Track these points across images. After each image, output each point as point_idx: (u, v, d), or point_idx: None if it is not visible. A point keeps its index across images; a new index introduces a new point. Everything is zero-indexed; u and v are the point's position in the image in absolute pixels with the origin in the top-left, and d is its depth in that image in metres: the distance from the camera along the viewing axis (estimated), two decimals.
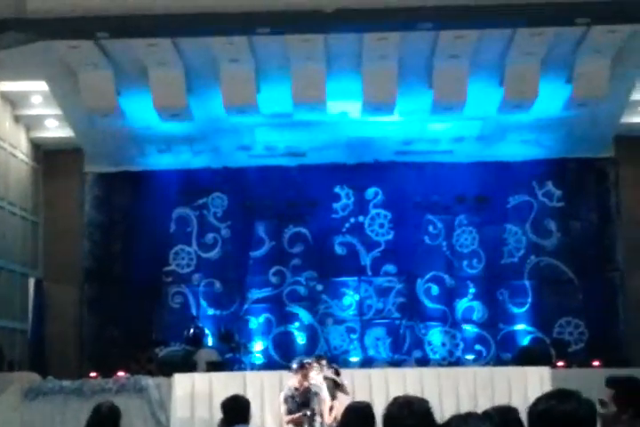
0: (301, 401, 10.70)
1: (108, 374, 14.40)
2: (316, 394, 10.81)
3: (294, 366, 11.04)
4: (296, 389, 10.76)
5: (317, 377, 11.00)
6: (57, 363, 16.57)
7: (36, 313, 17.18)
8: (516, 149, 16.98)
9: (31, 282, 17.38)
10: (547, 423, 3.11)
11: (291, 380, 11.11)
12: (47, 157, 18.09)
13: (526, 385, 11.84)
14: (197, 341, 15.92)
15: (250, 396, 8.87)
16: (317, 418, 10.78)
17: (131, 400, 13.15)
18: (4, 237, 16.41)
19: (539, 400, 3.18)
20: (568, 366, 13.77)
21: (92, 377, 14.44)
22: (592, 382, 11.82)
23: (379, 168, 17.25)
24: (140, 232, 17.24)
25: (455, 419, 3.55)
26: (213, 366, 14.54)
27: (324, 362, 11.64)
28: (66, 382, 13.77)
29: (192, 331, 16.12)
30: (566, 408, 3.07)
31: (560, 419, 3.06)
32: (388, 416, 4.03)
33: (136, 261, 17.11)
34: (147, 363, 15.28)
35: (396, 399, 4.28)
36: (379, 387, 12.33)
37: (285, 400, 10.76)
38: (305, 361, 11.13)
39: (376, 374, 12.92)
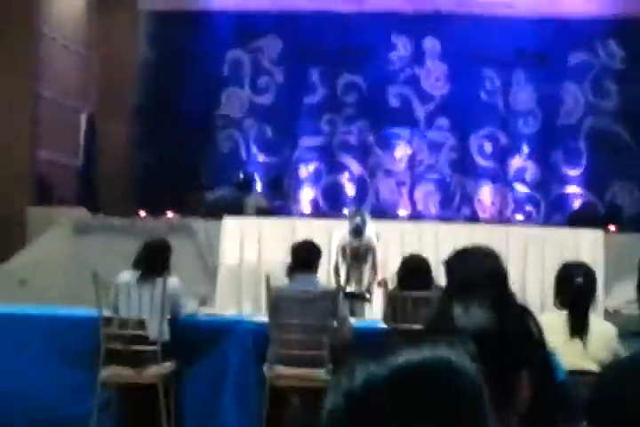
0: (354, 254, 10.51)
1: (157, 215, 14.51)
2: (371, 249, 10.60)
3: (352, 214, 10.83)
4: (352, 240, 10.51)
5: (371, 230, 10.75)
6: (106, 201, 16.67)
7: (87, 149, 17.20)
8: (579, 5, 16.35)
9: (83, 117, 17.34)
10: None
11: (343, 230, 10.98)
12: None
13: (578, 247, 11.73)
14: (246, 186, 15.89)
15: None
16: (366, 272, 10.59)
17: (179, 241, 13.24)
18: (57, 71, 16.33)
19: None
20: (621, 230, 13.63)
21: (141, 217, 14.57)
22: None
23: (438, 19, 16.68)
24: (193, 72, 16.98)
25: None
26: (262, 213, 14.58)
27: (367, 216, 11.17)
28: (115, 220, 13.91)
29: (241, 176, 16.09)
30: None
31: None
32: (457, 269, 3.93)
33: (188, 102, 16.93)
34: (196, 205, 15.32)
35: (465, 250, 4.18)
36: (428, 241, 12.25)
37: (339, 250, 10.59)
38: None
39: (427, 228, 12.82)
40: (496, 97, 16.74)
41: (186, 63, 17.07)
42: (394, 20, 16.77)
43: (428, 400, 1.15)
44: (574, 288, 5.11)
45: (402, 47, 16.95)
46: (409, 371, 1.18)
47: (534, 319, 4.23)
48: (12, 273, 13.20)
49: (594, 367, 4.88)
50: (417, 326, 6.66)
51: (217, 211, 14.18)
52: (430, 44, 16.98)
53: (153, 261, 7.76)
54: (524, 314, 4.30)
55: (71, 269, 13.15)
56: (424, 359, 1.20)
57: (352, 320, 8.40)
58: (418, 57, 16.90)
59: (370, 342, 1.31)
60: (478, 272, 3.69)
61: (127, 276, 7.76)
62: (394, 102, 16.83)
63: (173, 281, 7.78)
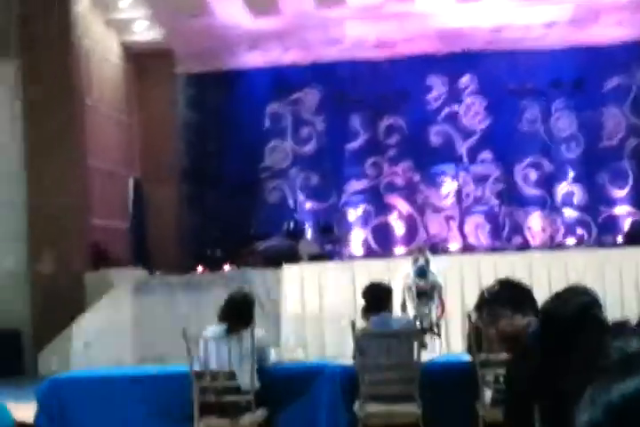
0: (421, 292, 10.61)
1: (213, 269, 14.74)
2: (436, 287, 10.70)
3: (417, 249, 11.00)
4: (418, 281, 10.63)
5: (434, 268, 10.86)
6: (160, 261, 16.97)
7: (136, 213, 17.56)
8: (610, 31, 16.59)
9: (130, 182, 17.73)
10: None
11: (402, 268, 11.14)
12: (139, 59, 18.23)
13: (638, 266, 11.79)
14: (297, 234, 16.13)
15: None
16: (433, 309, 10.69)
17: None
18: (102, 141, 16.74)
19: None
20: None
21: (198, 272, 14.81)
22: None
23: (471, 57, 17.01)
24: (234, 130, 17.39)
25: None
26: (315, 258, 14.77)
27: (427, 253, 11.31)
28: (173, 278, 14.15)
29: (291, 224, 16.33)
30: None
31: None
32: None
33: (231, 159, 17.32)
34: (250, 257, 15.53)
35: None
36: (485, 273, 12.34)
37: (405, 289, 10.70)
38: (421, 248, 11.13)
39: (484, 260, 12.95)
40: (536, 126, 16.95)
41: (227, 122, 17.48)
42: (427, 63, 17.11)
43: None
44: None
45: (438, 87, 17.25)
46: None
47: None
48: (76, 337, 13.44)
49: None
50: (501, 356, 6.84)
51: (271, 260, 14.40)
52: (466, 81, 17.26)
53: (239, 314, 8.00)
54: None
55: (134, 328, 13.38)
56: None
57: (433, 355, 8.63)
58: (455, 95, 17.18)
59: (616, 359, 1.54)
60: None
61: (214, 329, 8.00)
62: (436, 140, 17.10)
63: (259, 332, 8.03)
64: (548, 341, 3.94)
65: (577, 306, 4.05)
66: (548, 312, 4.13)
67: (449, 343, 11.30)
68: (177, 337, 8.06)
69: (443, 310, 10.71)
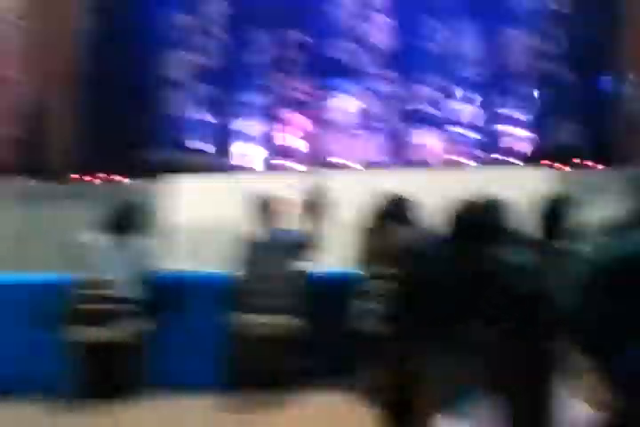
0: (310, 207, 10.50)
1: (102, 179, 14.42)
2: (328, 202, 10.60)
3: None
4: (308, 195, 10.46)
5: (328, 183, 10.75)
6: (51, 168, 16.55)
7: (28, 118, 16.99)
8: None
9: (23, 87, 16.99)
10: None
11: (296, 183, 10.94)
12: None
13: (530, 185, 11.81)
14: (190, 146, 15.84)
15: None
16: (323, 224, 10.60)
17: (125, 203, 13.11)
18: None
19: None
20: (572, 166, 13.82)
21: (82, 180, 14.48)
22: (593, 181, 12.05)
23: None
24: (138, 38, 16.84)
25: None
26: (206, 171, 14.56)
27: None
28: (58, 186, 13.79)
29: (182, 135, 16.01)
30: None
31: None
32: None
33: (132, 68, 16.82)
34: (140, 167, 15.25)
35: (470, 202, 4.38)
36: (382, 191, 12.22)
37: (297, 204, 10.56)
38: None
39: (380, 177, 12.88)
40: (443, 47, 16.77)
41: (130, 28, 16.92)
42: None
43: None
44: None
45: (348, 2, 16.88)
46: None
47: None
48: None
49: None
50: (387, 270, 6.67)
51: (161, 171, 14.14)
52: None
53: (125, 223, 7.71)
54: None
55: (20, 235, 13.05)
56: None
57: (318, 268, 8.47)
58: (364, 11, 16.85)
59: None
60: None
61: (98, 237, 7.68)
62: (341, 57, 16.81)
63: (144, 241, 7.74)
64: (458, 244, 4.10)
65: (486, 216, 4.14)
66: (462, 218, 4.22)
67: (335, 257, 11.20)
68: (59, 244, 7.77)
69: (330, 225, 10.62)
